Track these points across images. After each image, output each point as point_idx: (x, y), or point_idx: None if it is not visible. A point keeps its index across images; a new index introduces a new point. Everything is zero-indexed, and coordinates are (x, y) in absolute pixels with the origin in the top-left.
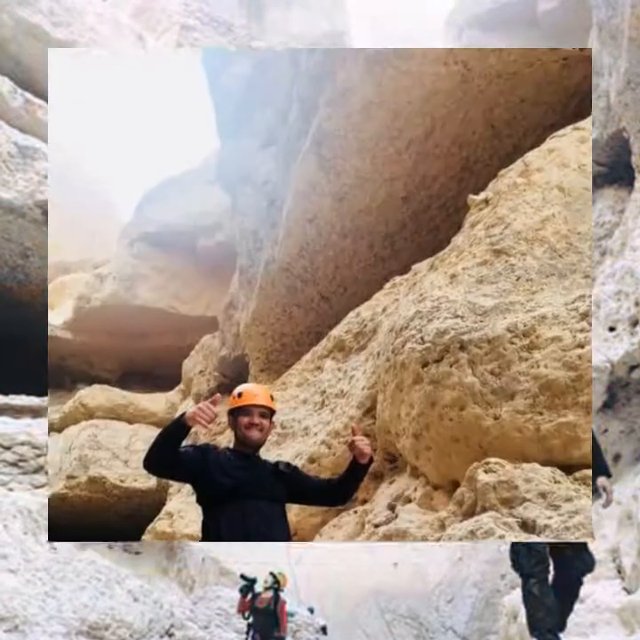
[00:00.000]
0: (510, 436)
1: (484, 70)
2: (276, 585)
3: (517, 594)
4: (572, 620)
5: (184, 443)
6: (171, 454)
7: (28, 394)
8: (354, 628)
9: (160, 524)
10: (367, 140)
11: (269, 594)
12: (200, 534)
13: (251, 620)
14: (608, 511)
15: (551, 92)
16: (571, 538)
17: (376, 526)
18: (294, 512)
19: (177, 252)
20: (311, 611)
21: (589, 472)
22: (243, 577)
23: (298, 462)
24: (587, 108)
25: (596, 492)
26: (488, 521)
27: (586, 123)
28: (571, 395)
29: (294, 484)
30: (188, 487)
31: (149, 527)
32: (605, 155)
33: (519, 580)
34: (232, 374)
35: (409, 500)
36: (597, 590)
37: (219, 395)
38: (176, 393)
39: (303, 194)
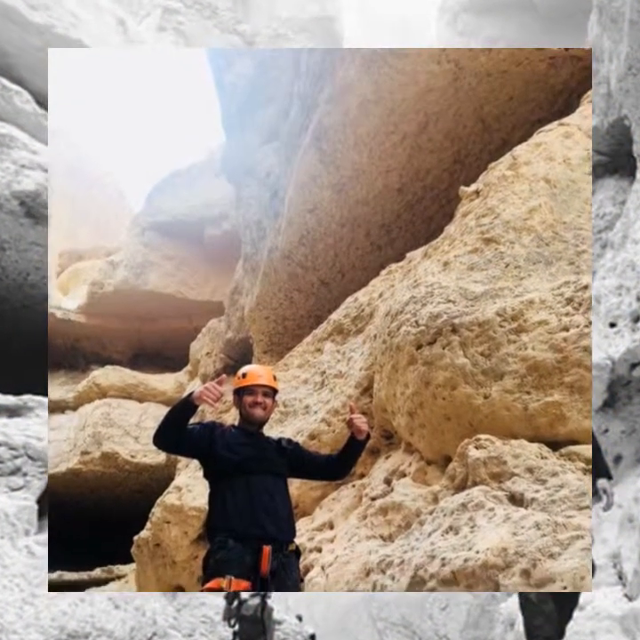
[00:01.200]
0: (499, 414)
1: (474, 69)
2: (263, 592)
3: (514, 601)
4: (572, 627)
5: (191, 420)
6: (179, 431)
7: (5, 393)
8: (344, 636)
9: (169, 497)
10: (364, 135)
11: (256, 600)
12: (207, 507)
13: (236, 627)
14: (608, 514)
15: (538, 89)
16: (556, 510)
17: (373, 499)
18: (296, 486)
19: (185, 241)
20: (299, 618)
21: (575, 448)
22: None
23: (299, 439)
24: (572, 104)
25: (596, 495)
26: (478, 494)
27: (571, 118)
28: (557, 375)
29: (296, 460)
30: (195, 462)
31: (159, 500)
32: (606, 143)
33: None
34: (237, 356)
35: (404, 475)
36: (597, 597)
37: (224, 375)
38: (184, 373)
39: (304, 185)
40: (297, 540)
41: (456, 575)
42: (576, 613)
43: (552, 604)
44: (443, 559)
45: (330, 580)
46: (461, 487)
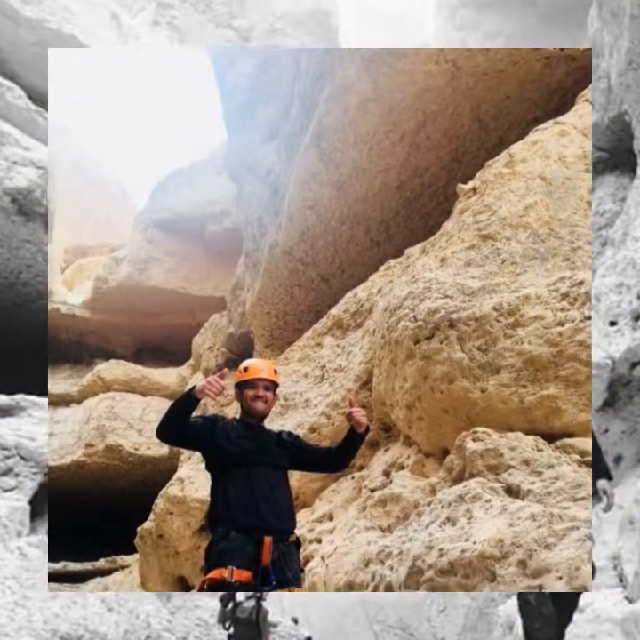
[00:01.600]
0: (496, 408)
1: (471, 69)
2: (259, 594)
3: (513, 603)
4: (571, 630)
5: (194, 414)
6: (182, 424)
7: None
8: (341, 639)
9: (172, 489)
10: (364, 134)
11: (251, 603)
12: (209, 499)
13: (231, 630)
14: (609, 516)
15: (534, 88)
16: (552, 502)
17: (372, 491)
18: (296, 477)
19: (187, 237)
20: (295, 621)
21: (570, 440)
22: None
23: (299, 432)
24: (567, 103)
25: (596, 496)
26: (475, 486)
27: (566, 117)
28: (552, 369)
29: (296, 452)
30: (197, 455)
31: (162, 492)
32: (606, 139)
33: None
34: (238, 350)
35: (402, 467)
36: (598, 599)
37: (226, 369)
38: (186, 367)
39: (304, 183)
40: (297, 532)
41: (453, 565)
42: (576, 616)
43: (551, 606)
44: (440, 550)
45: (330, 571)
46: (459, 479)
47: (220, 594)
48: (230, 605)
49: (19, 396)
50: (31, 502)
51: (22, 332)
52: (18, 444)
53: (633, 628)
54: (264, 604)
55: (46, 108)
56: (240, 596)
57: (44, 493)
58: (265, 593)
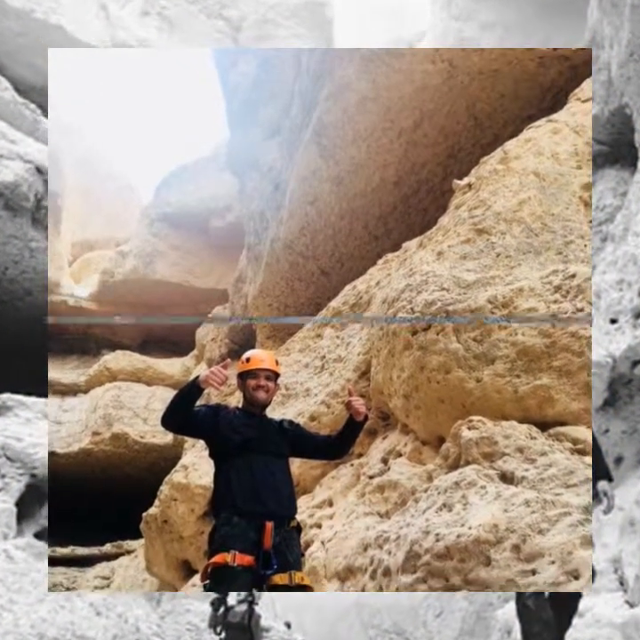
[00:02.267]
0: (491, 397)
1: (467, 68)
2: (251, 598)
3: (511, 607)
4: (571, 635)
5: (198, 403)
6: (186, 413)
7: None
8: None
9: (176, 475)
10: (362, 131)
11: (243, 607)
12: (212, 485)
13: (223, 635)
14: (609, 518)
15: (528, 87)
16: (545, 488)
17: (370, 478)
18: (297, 465)
19: (191, 232)
20: (288, 626)
21: (563, 429)
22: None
23: (300, 420)
24: (560, 101)
25: (596, 497)
26: (471, 473)
27: (559, 115)
28: (545, 360)
29: (297, 440)
30: (201, 442)
31: (166, 479)
32: (606, 132)
33: (512, 592)
34: (241, 341)
35: (400, 454)
36: (598, 603)
37: (229, 359)
38: (190, 358)
39: (305, 179)
40: (298, 517)
41: (449, 550)
42: (575, 620)
43: (550, 610)
44: (437, 535)
45: (329, 555)
46: (455, 466)
47: (212, 598)
48: (222, 609)
49: (5, 396)
50: (18, 504)
51: (9, 330)
52: (4, 445)
53: (633, 632)
54: (256, 608)
55: (33, 101)
56: (232, 599)
57: (32, 494)
58: (257, 597)
